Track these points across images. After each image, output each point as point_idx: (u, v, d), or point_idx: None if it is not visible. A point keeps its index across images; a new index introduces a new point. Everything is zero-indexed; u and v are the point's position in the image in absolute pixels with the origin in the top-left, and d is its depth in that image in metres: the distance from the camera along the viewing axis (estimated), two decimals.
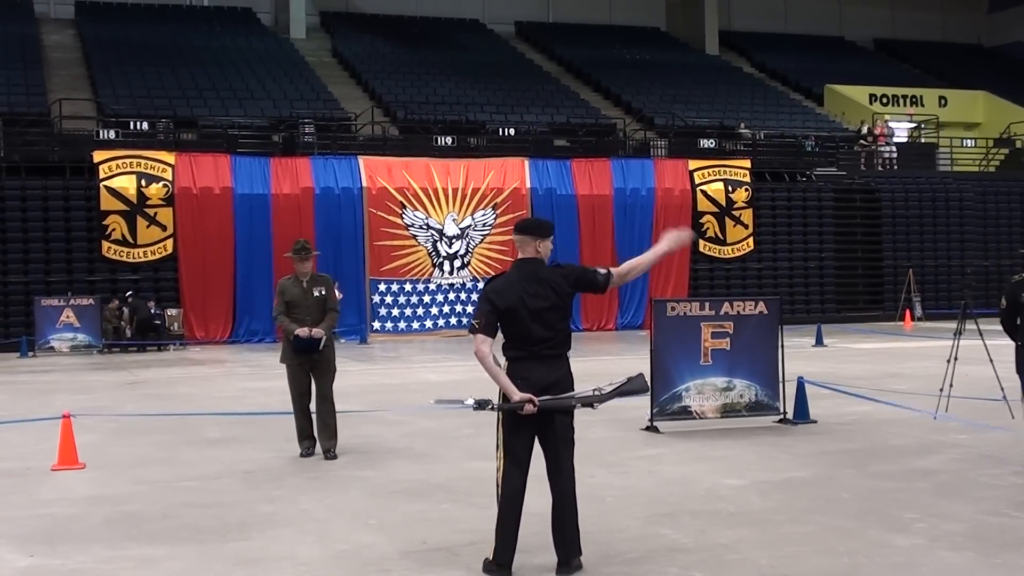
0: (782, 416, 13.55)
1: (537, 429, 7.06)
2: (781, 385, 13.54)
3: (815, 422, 13.50)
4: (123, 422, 14.71)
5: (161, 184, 30.14)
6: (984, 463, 10.65)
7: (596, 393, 7.10)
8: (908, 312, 35.73)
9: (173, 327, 29.55)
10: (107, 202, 29.76)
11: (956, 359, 14.00)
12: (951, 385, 13.78)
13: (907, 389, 16.29)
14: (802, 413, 13.65)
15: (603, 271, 7.22)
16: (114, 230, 29.82)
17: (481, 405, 7.01)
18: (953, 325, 15.08)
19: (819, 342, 26.46)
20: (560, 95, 42.73)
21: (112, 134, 32.72)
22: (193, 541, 8.07)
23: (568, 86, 44.41)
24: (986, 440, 11.96)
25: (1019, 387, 10.55)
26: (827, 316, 34.93)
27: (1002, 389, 13.74)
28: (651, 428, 12.88)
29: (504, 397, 6.97)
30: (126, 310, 28.71)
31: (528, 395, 6.83)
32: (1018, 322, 10.33)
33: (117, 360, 25.96)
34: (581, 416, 13.43)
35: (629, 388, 7.20)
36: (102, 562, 7.54)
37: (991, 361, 14.08)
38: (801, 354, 22.70)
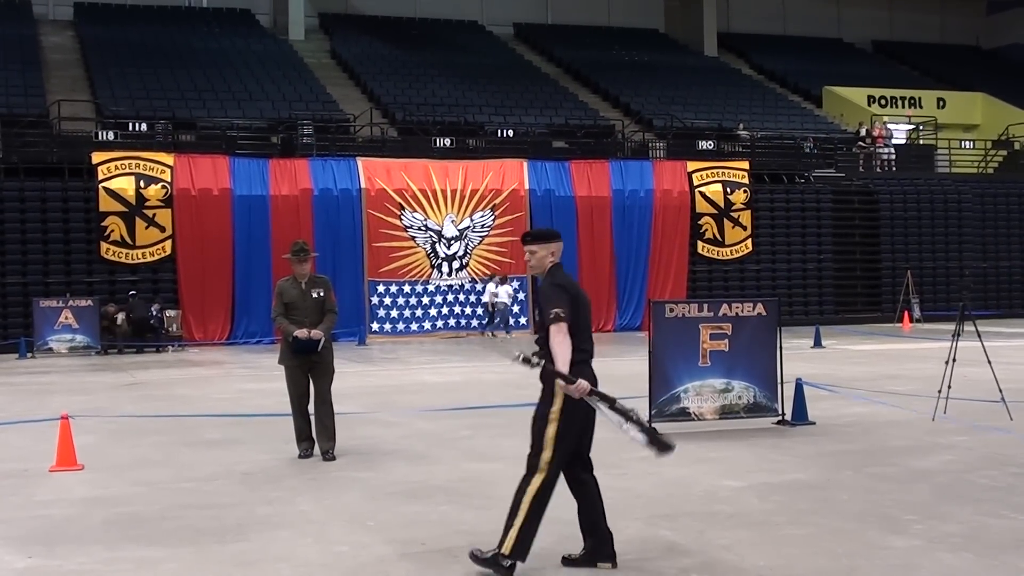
0: (780, 417, 13.55)
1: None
2: (780, 386, 13.54)
3: (814, 423, 13.50)
4: (121, 423, 14.71)
5: (160, 185, 30.15)
6: (983, 464, 10.65)
7: (634, 415, 7.05)
8: (906, 314, 35.75)
9: (172, 328, 29.56)
10: (106, 203, 29.76)
11: (954, 360, 13.99)
12: (949, 386, 13.78)
13: (905, 390, 16.29)
14: (800, 414, 13.65)
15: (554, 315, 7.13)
16: (113, 231, 29.82)
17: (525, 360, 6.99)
18: (951, 327, 15.08)
19: (817, 343, 26.46)
20: (559, 97, 42.76)
21: (111, 135, 32.74)
22: (191, 542, 8.06)
23: (567, 87, 44.45)
24: (985, 441, 11.96)
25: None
26: (825, 318, 34.93)
27: (1000, 391, 13.77)
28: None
29: (566, 398, 6.93)
30: (120, 316, 28.60)
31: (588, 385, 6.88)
32: None
33: (115, 361, 25.95)
34: None
35: (656, 441, 7.16)
36: (100, 563, 7.54)
37: (989, 363, 14.09)
38: (799, 355, 22.71)
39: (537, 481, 6.98)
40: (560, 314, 6.91)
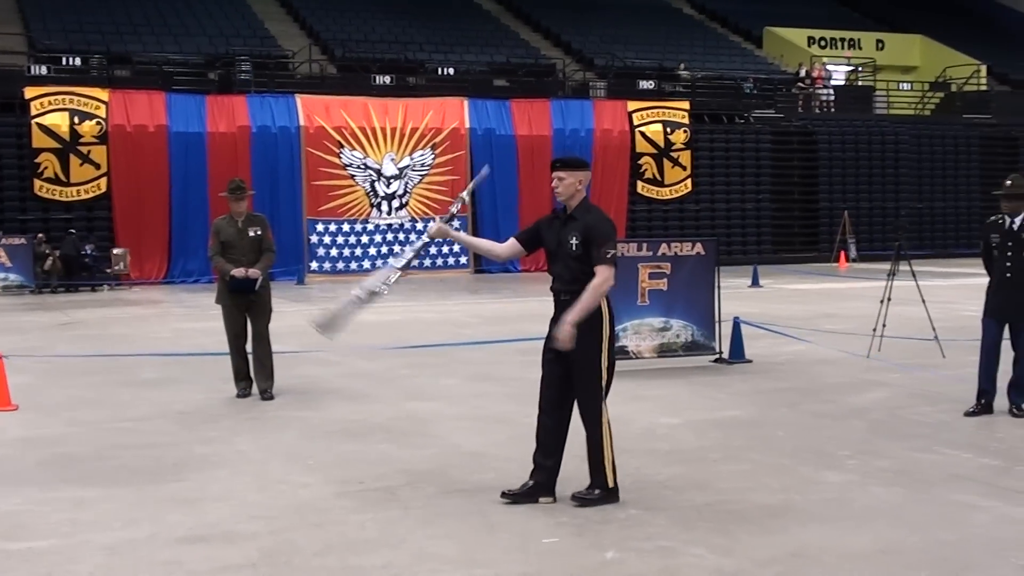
0: (718, 356, 13.67)
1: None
2: (717, 325, 13.65)
3: (750, 362, 13.63)
4: (57, 363, 14.58)
5: (94, 121, 29.74)
6: (915, 401, 10.81)
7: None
8: (843, 253, 36.12)
9: (120, 266, 29.27)
10: (39, 140, 29.32)
11: (889, 300, 14.18)
12: (884, 325, 13.98)
13: (841, 329, 16.47)
14: (738, 353, 13.78)
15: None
16: (46, 168, 29.42)
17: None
18: (887, 266, 15.25)
19: (755, 283, 26.67)
20: (500, 35, 42.49)
21: (44, 70, 32.14)
22: (128, 483, 8.01)
23: (508, 25, 44.16)
24: (918, 379, 12.14)
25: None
26: (763, 257, 35.22)
27: (934, 329, 13.97)
28: None
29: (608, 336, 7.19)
30: (50, 259, 28.20)
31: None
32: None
33: (50, 300, 25.66)
34: (519, 356, 13.44)
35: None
36: (36, 504, 7.47)
37: (923, 302, 14.29)
38: (737, 295, 22.87)
39: (605, 410, 7.24)
40: (615, 256, 7.10)
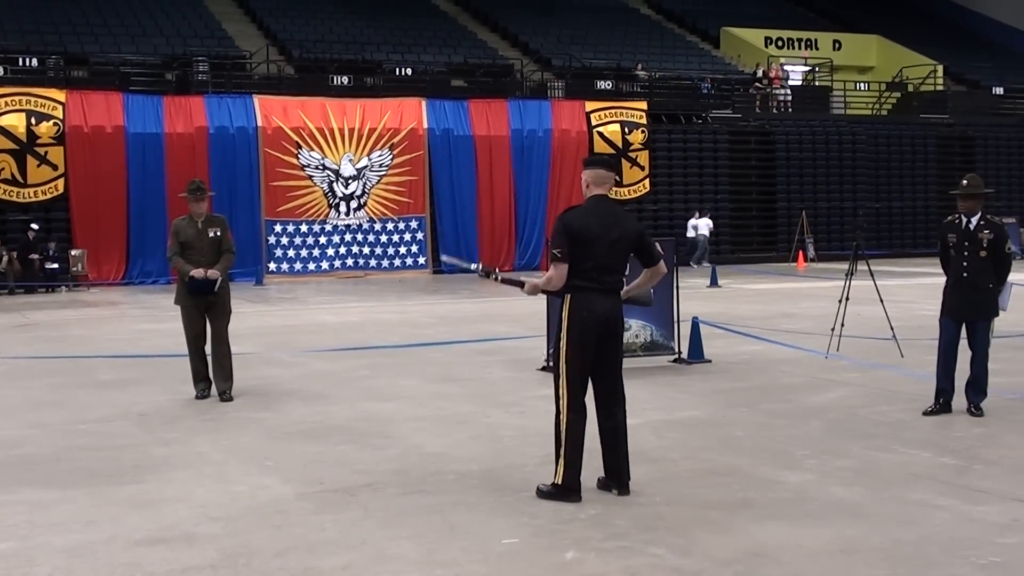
0: (677, 356, 13.71)
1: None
2: (676, 325, 13.69)
3: (709, 362, 13.68)
4: (14, 365, 14.46)
5: (51, 122, 29.50)
6: (874, 401, 10.87)
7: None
8: (801, 253, 36.30)
9: (77, 267, 29.05)
10: None
11: (847, 299, 14.25)
12: (842, 325, 14.05)
13: (799, 329, 16.56)
14: (696, 353, 13.82)
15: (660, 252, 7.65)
16: (3, 169, 29.15)
17: (487, 273, 7.74)
18: (845, 266, 15.33)
19: (714, 283, 26.76)
20: (457, 35, 42.48)
21: (0, 71, 31.88)
22: (87, 484, 7.96)
23: (465, 26, 44.14)
24: (876, 378, 12.21)
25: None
26: (722, 257, 35.32)
27: (891, 328, 14.06)
28: (547, 368, 12.92)
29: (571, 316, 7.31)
30: (4, 258, 27.88)
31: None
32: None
33: (7, 302, 25.43)
34: (478, 357, 13.44)
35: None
36: None
37: (881, 301, 14.39)
38: (696, 295, 22.95)
39: (562, 407, 7.39)
40: (557, 255, 7.22)
